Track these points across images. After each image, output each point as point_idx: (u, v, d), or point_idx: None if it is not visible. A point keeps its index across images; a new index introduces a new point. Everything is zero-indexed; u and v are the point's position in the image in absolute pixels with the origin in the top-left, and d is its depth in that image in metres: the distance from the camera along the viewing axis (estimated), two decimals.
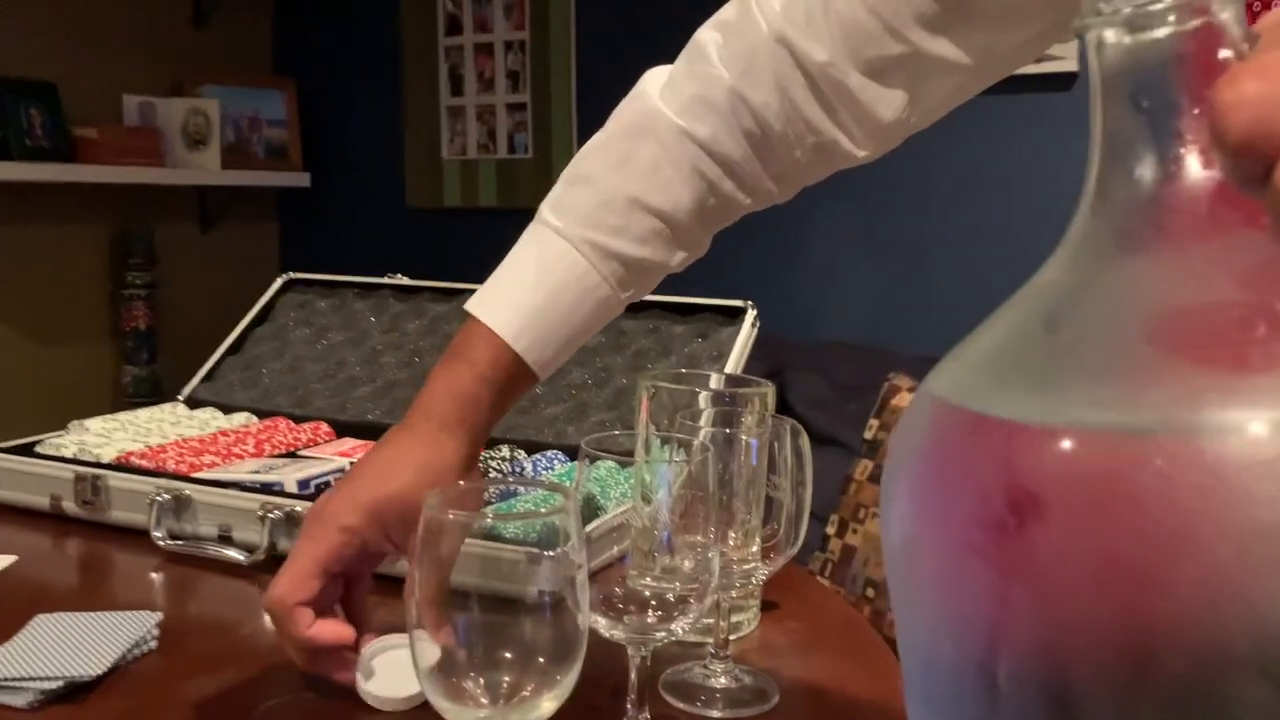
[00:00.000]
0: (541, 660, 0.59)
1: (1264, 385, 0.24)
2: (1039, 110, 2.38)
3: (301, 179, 3.43)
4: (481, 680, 0.58)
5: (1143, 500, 0.24)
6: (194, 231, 3.33)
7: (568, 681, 0.58)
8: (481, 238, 3.35)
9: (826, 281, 2.70)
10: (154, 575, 1.02)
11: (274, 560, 1.02)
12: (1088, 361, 0.28)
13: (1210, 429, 0.24)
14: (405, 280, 1.50)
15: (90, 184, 2.86)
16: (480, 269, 0.91)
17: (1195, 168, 0.27)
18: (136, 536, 1.08)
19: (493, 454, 1.15)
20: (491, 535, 0.80)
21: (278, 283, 1.56)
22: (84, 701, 0.76)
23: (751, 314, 1.29)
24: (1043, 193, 2.35)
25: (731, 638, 0.89)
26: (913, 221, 2.59)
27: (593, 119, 0.95)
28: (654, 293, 1.42)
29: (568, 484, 0.93)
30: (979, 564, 0.27)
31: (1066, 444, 0.26)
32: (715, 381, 0.94)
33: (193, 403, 1.39)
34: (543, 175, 3.18)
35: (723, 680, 0.81)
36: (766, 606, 0.95)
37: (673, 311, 1.35)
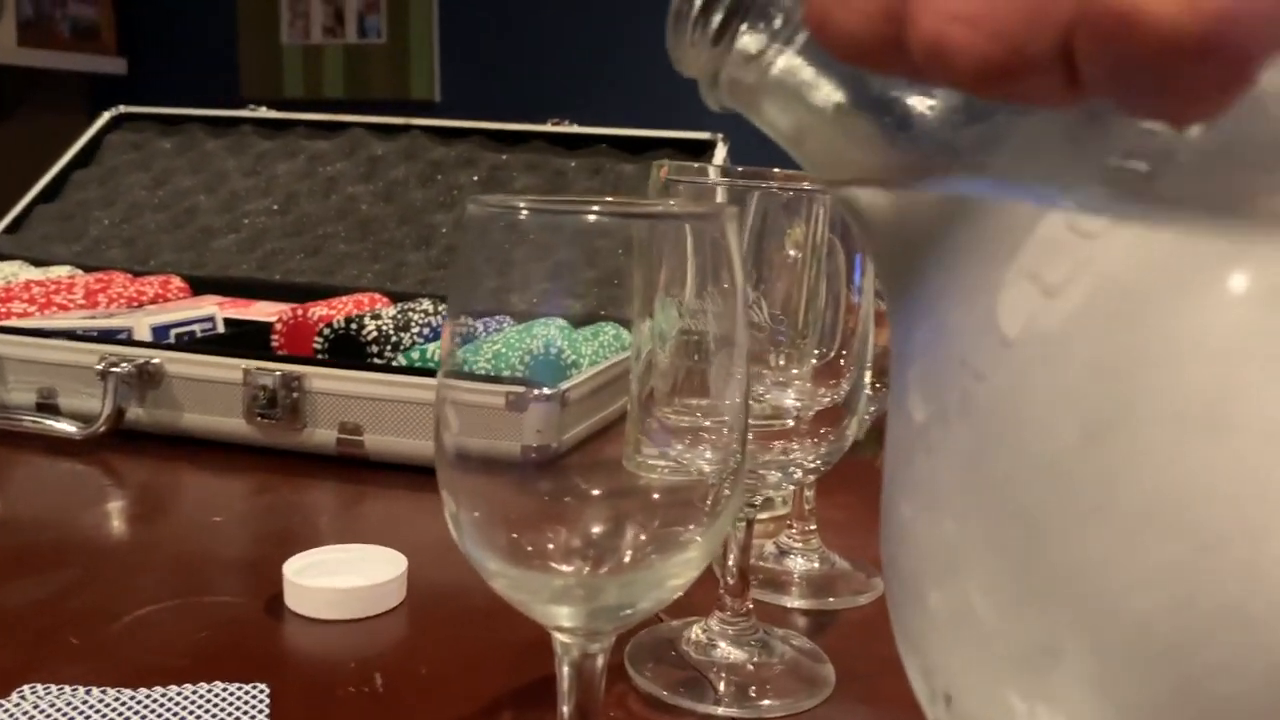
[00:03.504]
0: (656, 497, 0.34)
1: None
2: None
3: (117, 64, 3.00)
4: (563, 533, 0.33)
5: None
6: None
7: (710, 536, 0.34)
8: None
9: None
10: None
11: (117, 435, 0.73)
12: None
13: None
14: (271, 113, 1.20)
15: None
16: None
17: None
18: None
19: (412, 307, 0.88)
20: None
21: (105, 117, 1.23)
22: None
23: (723, 148, 1.05)
24: None
25: (768, 515, 0.67)
26: None
27: None
28: (594, 124, 1.17)
29: None
30: None
31: None
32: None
33: None
34: (398, 64, 2.85)
35: (803, 561, 0.57)
36: None
37: (620, 148, 1.09)
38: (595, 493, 0.34)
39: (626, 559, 0.34)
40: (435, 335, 0.86)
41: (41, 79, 2.88)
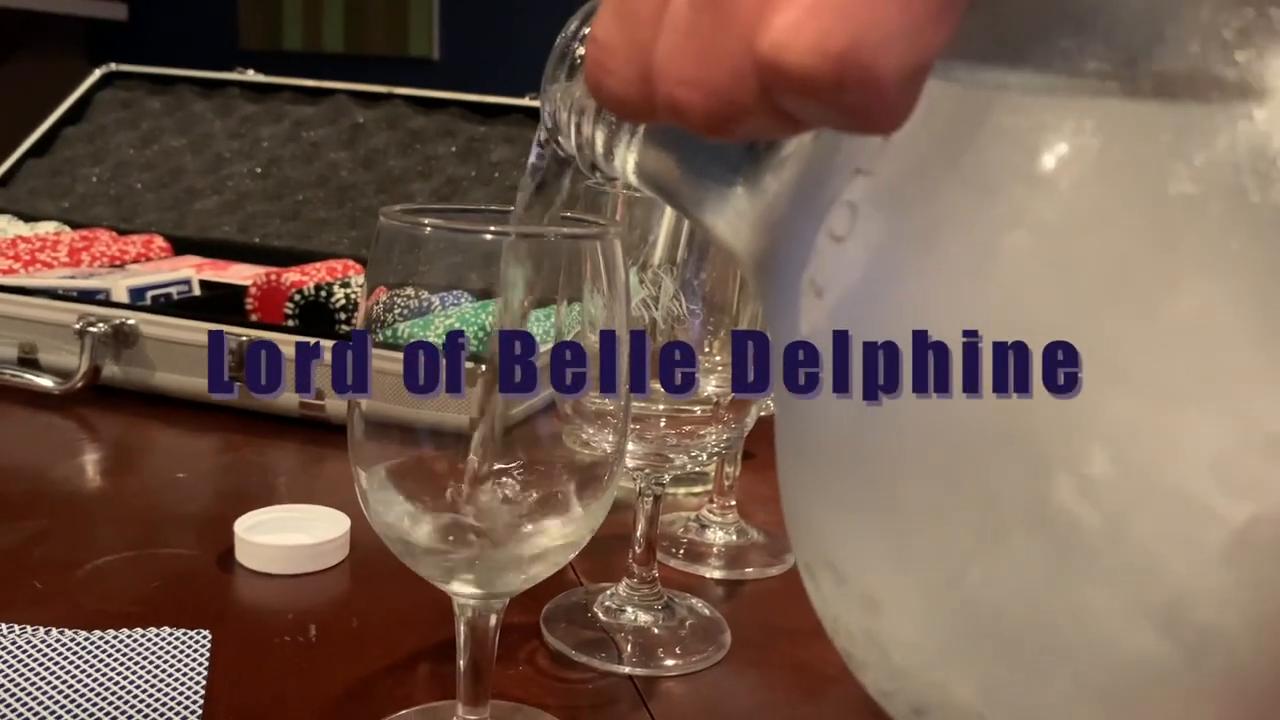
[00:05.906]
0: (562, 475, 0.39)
1: None
2: None
3: (117, 10, 3.01)
4: (478, 509, 0.37)
5: None
6: None
7: (595, 509, 0.38)
8: None
9: None
10: None
11: (94, 391, 0.77)
12: None
13: None
14: (259, 77, 1.23)
15: None
16: None
17: None
18: None
19: (398, 293, 0.91)
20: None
21: (95, 75, 1.26)
22: None
23: None
24: None
25: (701, 490, 0.71)
26: None
27: None
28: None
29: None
30: None
31: None
32: None
33: None
34: (397, 17, 2.86)
35: (721, 534, 0.62)
36: (744, 456, 0.77)
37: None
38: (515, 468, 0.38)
39: (525, 530, 0.38)
40: (413, 314, 0.89)
41: (41, 23, 2.89)
